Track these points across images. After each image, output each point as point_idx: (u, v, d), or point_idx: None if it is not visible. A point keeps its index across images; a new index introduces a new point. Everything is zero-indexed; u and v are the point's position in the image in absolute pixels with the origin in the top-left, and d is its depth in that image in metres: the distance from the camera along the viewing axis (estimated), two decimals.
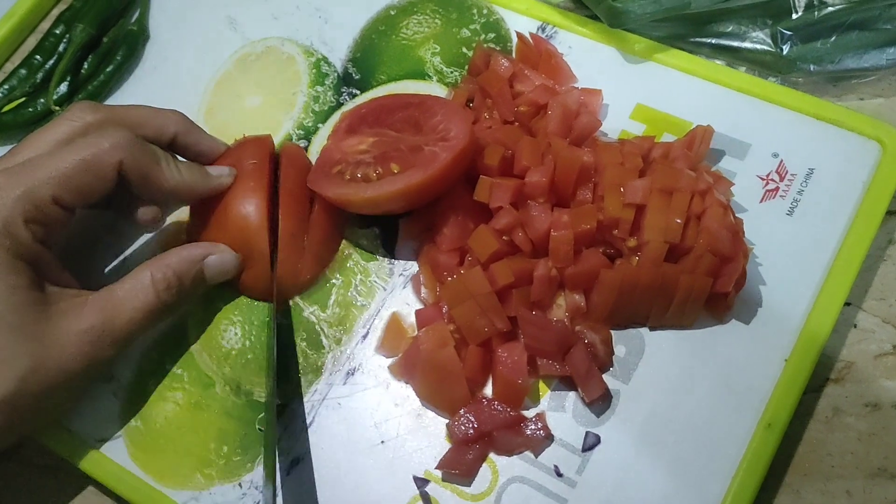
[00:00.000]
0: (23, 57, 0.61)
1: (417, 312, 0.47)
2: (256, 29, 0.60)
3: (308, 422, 0.46)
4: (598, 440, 0.43)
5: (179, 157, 0.48)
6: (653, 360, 0.45)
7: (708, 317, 0.45)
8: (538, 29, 0.56)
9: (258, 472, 0.45)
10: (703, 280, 0.43)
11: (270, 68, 0.58)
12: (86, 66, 0.59)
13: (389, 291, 0.49)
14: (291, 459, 0.45)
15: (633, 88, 0.53)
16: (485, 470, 0.43)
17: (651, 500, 0.42)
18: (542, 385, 0.45)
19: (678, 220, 0.44)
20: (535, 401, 0.45)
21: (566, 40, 0.55)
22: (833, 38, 0.51)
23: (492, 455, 0.44)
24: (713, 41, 0.53)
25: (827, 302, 0.44)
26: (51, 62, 0.59)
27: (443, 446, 0.44)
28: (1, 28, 0.63)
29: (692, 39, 0.54)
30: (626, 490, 0.42)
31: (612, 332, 0.45)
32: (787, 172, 0.48)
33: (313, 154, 0.54)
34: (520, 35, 0.55)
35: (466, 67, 0.55)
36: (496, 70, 0.53)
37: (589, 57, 0.54)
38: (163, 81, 0.59)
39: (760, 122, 0.50)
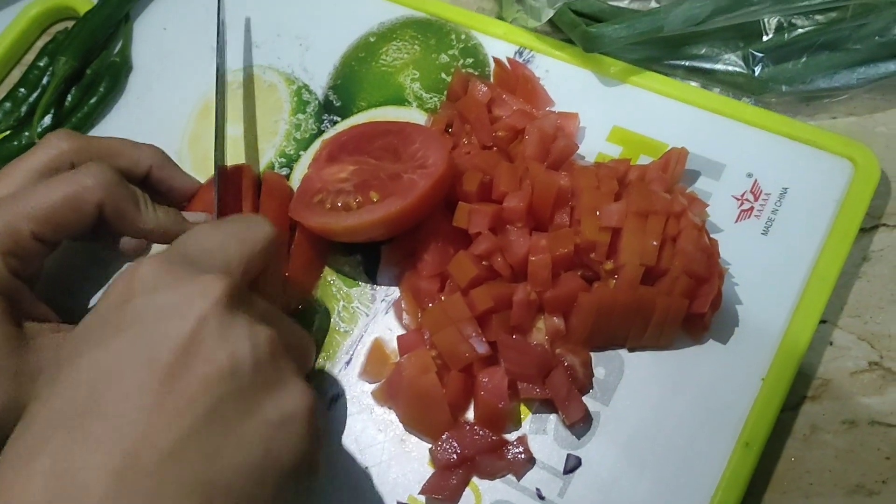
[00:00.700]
0: (7, 89, 0.62)
1: (399, 338, 0.47)
2: (238, 57, 0.61)
3: None
4: (579, 462, 0.44)
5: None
6: (632, 382, 0.45)
7: (686, 337, 0.46)
8: (515, 53, 0.57)
9: None
10: (680, 301, 0.44)
11: (252, 96, 0.59)
12: (69, 98, 0.59)
13: (372, 317, 0.49)
14: None
15: (609, 111, 0.53)
16: (468, 494, 0.44)
17: None
18: (523, 408, 0.45)
19: (654, 243, 0.44)
20: (517, 424, 0.45)
21: (543, 64, 0.56)
22: (804, 59, 0.51)
23: (475, 479, 0.44)
24: (687, 63, 0.54)
25: (803, 320, 0.45)
26: (35, 95, 0.60)
27: (426, 471, 0.44)
28: None
29: (667, 62, 0.54)
30: None
31: (592, 353, 0.46)
32: (761, 192, 0.49)
33: (295, 182, 0.54)
34: (497, 60, 0.56)
35: (445, 93, 0.56)
36: (474, 95, 0.54)
37: (566, 80, 0.55)
38: (146, 111, 0.60)
39: (734, 143, 0.51)
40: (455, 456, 0.44)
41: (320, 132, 0.56)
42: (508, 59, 0.56)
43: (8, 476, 0.29)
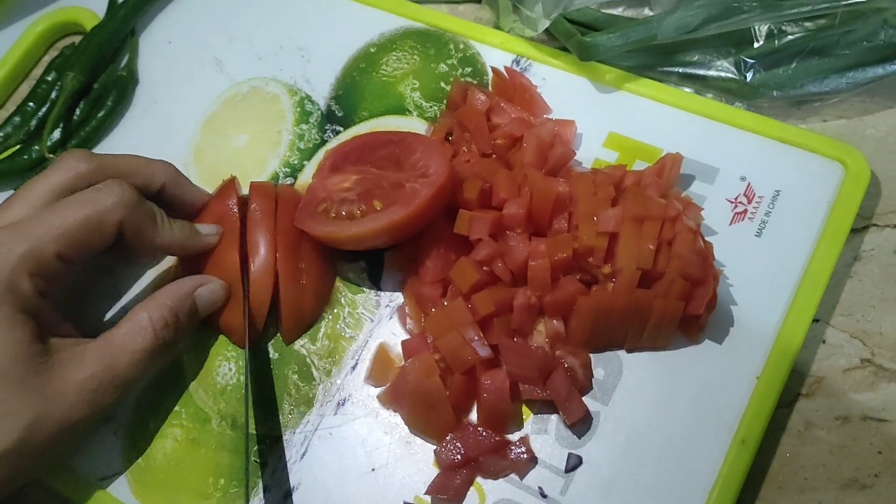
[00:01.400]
0: (16, 104, 0.63)
1: (404, 343, 0.48)
2: (242, 70, 0.62)
3: (301, 452, 0.47)
4: (580, 461, 0.45)
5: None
6: (631, 382, 0.46)
7: (682, 338, 0.47)
8: (513, 62, 0.58)
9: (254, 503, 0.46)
10: (676, 304, 0.45)
11: (256, 108, 0.60)
12: (78, 112, 0.61)
13: (376, 323, 0.51)
14: (285, 490, 0.46)
15: (605, 117, 0.55)
16: (472, 494, 0.45)
17: None
18: (525, 409, 0.47)
19: (650, 247, 0.45)
20: (519, 425, 0.46)
21: (540, 72, 0.57)
22: (794, 65, 0.53)
23: (479, 479, 0.45)
24: (680, 70, 0.55)
25: (796, 319, 0.46)
26: (44, 109, 0.61)
27: (431, 472, 0.46)
28: None
29: (660, 69, 0.56)
30: None
31: (591, 355, 0.47)
32: (754, 195, 0.50)
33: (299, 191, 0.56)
34: (495, 69, 0.57)
35: (445, 102, 0.57)
36: (473, 104, 0.55)
37: (562, 88, 0.56)
38: (153, 124, 0.61)
39: (728, 147, 0.52)
40: (459, 456, 0.45)
41: (323, 142, 0.58)
42: (506, 68, 0.57)
43: None
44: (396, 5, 0.62)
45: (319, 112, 0.59)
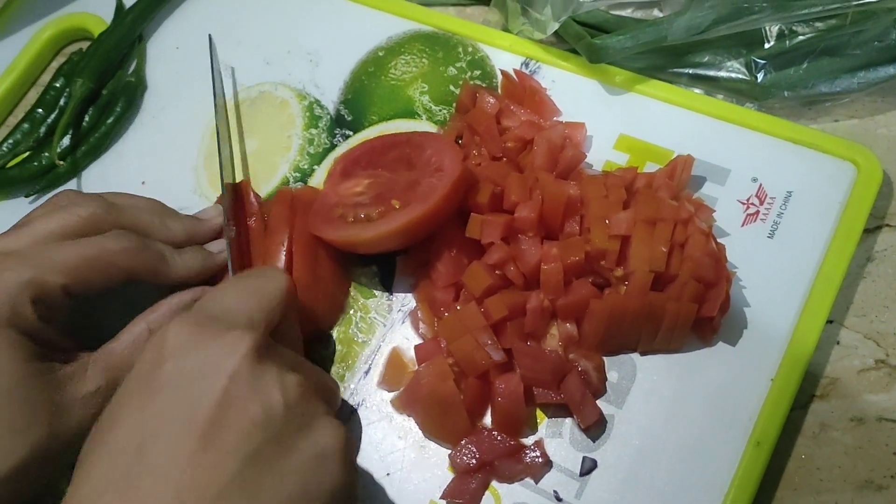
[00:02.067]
0: (24, 110, 0.63)
1: (417, 347, 0.48)
2: (250, 75, 0.62)
3: None
4: (595, 464, 0.45)
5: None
6: (644, 385, 0.46)
7: (696, 340, 0.47)
8: (522, 65, 0.58)
9: None
10: (689, 306, 0.45)
11: (265, 113, 0.60)
12: (87, 118, 0.61)
13: (389, 327, 0.51)
14: None
15: (615, 119, 0.54)
16: (487, 498, 0.45)
17: None
18: (539, 413, 0.47)
19: (662, 250, 0.45)
20: (533, 428, 0.46)
21: (549, 75, 0.57)
22: (805, 65, 0.52)
23: (494, 483, 0.45)
24: (691, 71, 0.55)
25: (810, 320, 0.46)
26: (52, 116, 0.61)
27: (446, 476, 0.46)
28: (2, 83, 0.65)
29: (671, 70, 0.55)
30: None
31: (605, 358, 0.47)
32: (766, 196, 0.50)
33: None
34: (504, 72, 0.57)
35: (454, 105, 0.57)
36: (483, 107, 0.55)
37: (572, 90, 0.56)
38: (162, 130, 0.62)
39: (739, 148, 0.52)
40: (474, 461, 0.45)
41: (333, 146, 0.58)
42: (515, 71, 0.57)
43: None
44: (404, 9, 0.62)
45: (329, 116, 0.59)
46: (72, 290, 0.43)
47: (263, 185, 0.57)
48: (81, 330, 0.45)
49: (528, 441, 0.46)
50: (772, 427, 0.44)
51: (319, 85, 0.60)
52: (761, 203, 0.50)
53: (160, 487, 0.32)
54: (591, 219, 0.47)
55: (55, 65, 0.67)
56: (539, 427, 0.46)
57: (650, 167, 0.52)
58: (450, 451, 0.46)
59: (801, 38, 0.52)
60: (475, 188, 0.49)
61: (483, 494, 0.45)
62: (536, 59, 0.58)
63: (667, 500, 0.43)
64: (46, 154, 0.59)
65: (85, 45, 0.67)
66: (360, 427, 0.48)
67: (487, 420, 0.47)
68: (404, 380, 0.48)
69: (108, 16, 0.66)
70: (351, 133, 0.58)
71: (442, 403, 0.45)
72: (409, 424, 0.48)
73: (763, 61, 0.53)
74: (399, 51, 0.60)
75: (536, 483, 0.45)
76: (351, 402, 0.49)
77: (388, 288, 0.52)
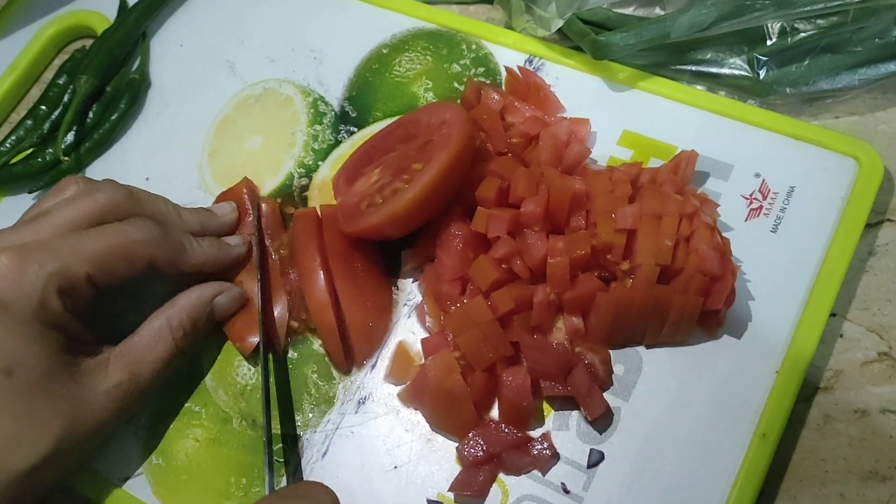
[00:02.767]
0: (27, 107, 0.63)
1: (423, 341, 0.49)
2: (254, 72, 0.62)
3: (322, 451, 0.47)
4: (602, 456, 0.45)
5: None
6: (650, 378, 0.47)
7: (701, 333, 0.47)
8: (526, 62, 0.58)
9: None
10: (695, 299, 0.45)
11: (269, 109, 0.60)
12: (91, 115, 0.61)
13: (395, 321, 0.51)
14: None
15: (619, 116, 0.55)
16: (495, 490, 0.45)
17: None
18: (546, 406, 0.47)
19: (668, 243, 0.46)
20: (540, 421, 0.46)
21: (553, 72, 0.57)
22: (807, 62, 0.53)
23: (501, 475, 0.45)
24: (693, 68, 0.55)
25: (813, 314, 0.47)
26: (56, 112, 0.61)
27: (454, 469, 0.46)
28: (5, 80, 0.65)
29: (673, 67, 0.56)
30: (630, 503, 0.44)
31: (611, 351, 0.47)
32: (769, 191, 0.51)
33: (315, 189, 0.56)
34: (508, 69, 0.57)
35: (459, 101, 0.57)
36: (487, 104, 0.55)
37: (575, 87, 0.56)
38: (166, 127, 0.62)
39: (741, 144, 0.52)
40: (481, 453, 0.45)
41: (337, 142, 0.58)
42: (519, 68, 0.57)
43: None
44: (408, 6, 0.62)
45: (333, 113, 0.59)
46: (96, 279, 0.43)
47: (268, 181, 0.57)
48: (93, 322, 0.45)
49: (536, 434, 0.46)
50: (777, 419, 0.44)
51: (324, 82, 0.61)
52: (764, 198, 0.51)
53: None
54: (598, 213, 0.47)
55: (58, 62, 0.67)
56: (546, 420, 0.47)
57: (654, 163, 0.53)
58: (457, 444, 0.46)
59: (802, 35, 0.52)
60: (482, 167, 0.49)
61: (490, 487, 0.45)
62: (540, 56, 0.58)
63: (674, 492, 0.44)
64: (50, 150, 0.59)
65: (88, 42, 0.67)
66: (368, 420, 0.48)
67: (494, 413, 0.47)
68: (411, 373, 0.49)
69: (111, 13, 0.66)
70: (355, 129, 0.58)
71: (449, 396, 0.45)
72: (416, 418, 0.48)
73: (765, 58, 0.54)
74: (403, 48, 0.61)
75: (544, 475, 0.45)
76: (358, 395, 0.49)
77: (394, 282, 0.52)
